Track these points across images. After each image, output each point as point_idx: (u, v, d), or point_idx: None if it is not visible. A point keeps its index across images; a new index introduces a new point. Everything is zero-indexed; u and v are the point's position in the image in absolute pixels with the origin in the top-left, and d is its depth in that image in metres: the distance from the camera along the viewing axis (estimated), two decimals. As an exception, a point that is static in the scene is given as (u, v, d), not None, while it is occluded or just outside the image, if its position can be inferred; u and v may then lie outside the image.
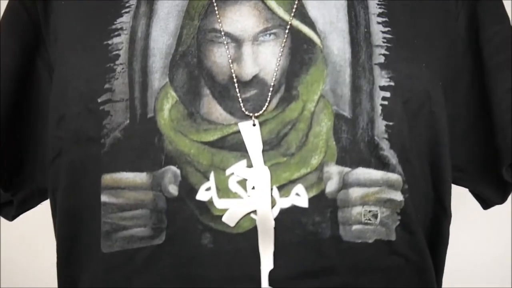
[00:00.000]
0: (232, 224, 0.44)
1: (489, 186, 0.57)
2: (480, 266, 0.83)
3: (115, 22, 0.49)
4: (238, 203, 0.44)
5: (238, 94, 0.46)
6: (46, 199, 0.56)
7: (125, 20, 0.49)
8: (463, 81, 0.54)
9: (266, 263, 0.43)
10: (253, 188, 0.44)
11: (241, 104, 0.45)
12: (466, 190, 0.60)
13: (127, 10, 0.49)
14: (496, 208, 0.76)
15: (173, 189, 0.45)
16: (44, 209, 0.71)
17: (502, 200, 0.58)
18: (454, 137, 0.54)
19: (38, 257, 0.83)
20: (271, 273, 0.44)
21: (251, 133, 0.44)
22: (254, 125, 0.45)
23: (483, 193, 0.59)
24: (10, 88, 0.54)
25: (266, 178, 0.44)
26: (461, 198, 0.71)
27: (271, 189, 0.44)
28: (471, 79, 0.54)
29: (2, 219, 0.78)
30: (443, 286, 0.78)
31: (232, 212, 0.44)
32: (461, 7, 0.53)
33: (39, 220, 0.77)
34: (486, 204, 0.60)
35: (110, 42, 0.48)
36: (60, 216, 0.51)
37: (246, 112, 0.45)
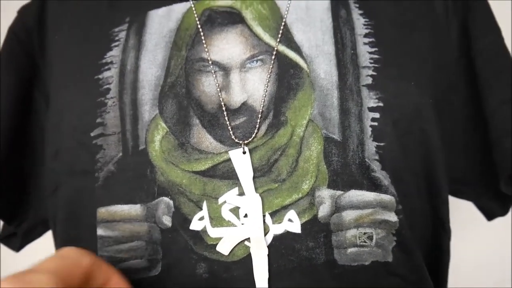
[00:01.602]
0: (226, 252, 0.44)
1: (489, 199, 0.56)
2: (480, 267, 0.82)
3: (105, 56, 0.50)
4: (231, 231, 0.44)
5: (228, 122, 0.46)
6: (49, 229, 0.57)
7: (114, 53, 0.49)
8: (458, 95, 0.54)
9: None
10: (246, 215, 0.44)
11: (231, 132, 0.46)
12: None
13: (116, 43, 0.50)
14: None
15: (167, 220, 0.45)
16: None
17: (504, 212, 0.57)
18: (453, 151, 0.54)
19: (38, 258, 0.84)
20: None
21: (241, 161, 0.45)
22: (244, 152, 0.45)
23: (485, 206, 0.59)
24: (9, 122, 0.56)
25: (258, 205, 0.44)
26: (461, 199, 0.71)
27: (264, 216, 0.44)
28: (466, 92, 0.54)
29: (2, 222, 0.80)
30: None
31: (225, 241, 0.44)
32: (452, 19, 0.52)
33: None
34: (489, 216, 0.59)
35: (100, 76, 0.49)
36: (59, 247, 0.52)
37: (236, 140, 0.45)
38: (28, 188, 0.58)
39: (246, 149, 0.45)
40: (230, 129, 0.46)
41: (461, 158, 0.55)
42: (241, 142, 0.45)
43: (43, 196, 0.55)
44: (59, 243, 0.52)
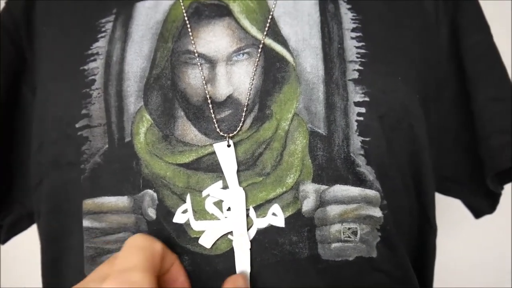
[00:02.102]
0: (208, 246, 0.44)
1: (477, 196, 0.56)
2: (480, 267, 0.82)
3: (91, 47, 0.49)
4: (214, 224, 0.44)
5: (213, 115, 0.46)
6: (35, 222, 0.56)
7: (100, 44, 0.49)
8: (448, 92, 0.54)
9: None
10: (229, 209, 0.44)
11: (216, 125, 0.45)
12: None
13: (103, 34, 0.50)
14: (497, 211, 0.75)
15: (152, 213, 0.45)
16: None
17: (491, 210, 0.57)
18: (441, 149, 0.54)
19: (38, 258, 0.84)
20: None
21: (225, 154, 0.44)
22: (229, 146, 0.45)
23: (473, 203, 0.59)
24: None
25: (242, 199, 0.44)
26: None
27: (248, 209, 0.44)
28: (455, 89, 0.54)
29: None
30: (445, 282, 0.77)
31: (208, 234, 0.44)
32: (442, 18, 0.52)
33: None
34: (476, 213, 0.59)
35: (86, 67, 0.48)
36: (43, 241, 0.51)
37: (221, 133, 0.45)
38: (13, 181, 0.58)
39: (231, 142, 0.45)
40: (215, 122, 0.45)
41: (448, 155, 0.55)
42: (226, 135, 0.45)
43: (28, 189, 0.55)
44: (44, 235, 0.52)
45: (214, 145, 0.45)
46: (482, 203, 0.57)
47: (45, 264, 0.52)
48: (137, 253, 0.36)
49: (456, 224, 0.79)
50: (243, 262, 0.43)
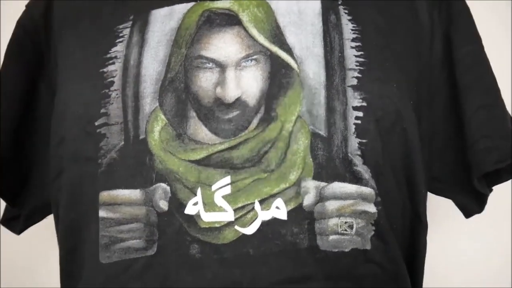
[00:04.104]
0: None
1: (466, 197, 0.60)
2: (480, 267, 0.84)
3: (110, 51, 0.53)
4: (223, 216, 0.48)
5: (222, 116, 0.50)
6: (50, 213, 0.60)
7: (119, 49, 0.53)
8: (440, 100, 0.57)
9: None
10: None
11: (225, 125, 0.49)
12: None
13: (121, 39, 0.53)
14: (496, 211, 0.78)
15: (164, 205, 0.49)
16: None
17: (479, 209, 0.60)
18: (432, 152, 0.57)
19: (38, 257, 0.86)
20: (254, 281, 0.47)
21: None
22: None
23: (462, 203, 0.62)
24: (15, 110, 0.59)
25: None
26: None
27: (253, 203, 0.48)
28: (447, 97, 0.57)
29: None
30: (445, 282, 0.79)
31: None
32: (436, 30, 0.56)
33: (40, 221, 0.82)
34: (466, 212, 0.63)
35: (105, 70, 0.52)
36: (62, 231, 0.55)
37: (229, 132, 0.49)
38: (31, 173, 0.61)
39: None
40: (224, 122, 0.49)
41: (439, 158, 0.59)
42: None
43: (46, 181, 0.58)
44: (61, 225, 0.55)
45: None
46: (470, 203, 0.60)
47: (63, 253, 0.55)
48: None
49: (456, 224, 0.81)
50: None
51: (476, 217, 0.63)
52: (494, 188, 0.59)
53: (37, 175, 0.61)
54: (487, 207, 0.60)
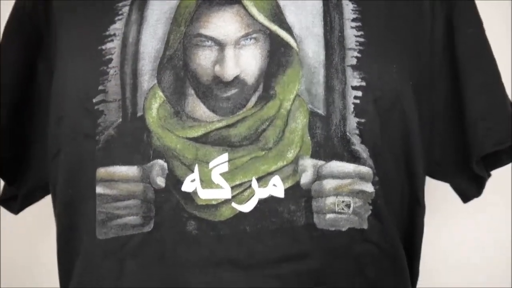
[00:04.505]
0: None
1: (464, 180, 0.60)
2: (479, 267, 0.84)
3: (109, 29, 0.53)
4: (220, 193, 0.48)
5: (220, 94, 0.49)
6: (48, 193, 0.60)
7: (117, 26, 0.53)
8: (440, 83, 0.57)
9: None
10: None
11: (223, 103, 0.49)
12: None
13: (119, 17, 0.53)
14: (497, 207, 0.78)
15: (161, 181, 0.49)
16: (44, 212, 0.73)
17: (478, 193, 0.61)
18: (432, 135, 0.57)
19: (38, 257, 0.86)
20: (250, 258, 0.47)
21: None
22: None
23: (460, 187, 0.62)
24: (13, 90, 0.59)
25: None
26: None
27: (250, 180, 0.48)
28: (448, 79, 0.57)
29: (3, 220, 0.82)
30: (445, 282, 0.79)
31: None
32: (438, 13, 0.56)
33: (40, 221, 0.82)
34: (464, 197, 0.63)
35: (104, 47, 0.52)
36: (59, 208, 0.55)
37: (227, 110, 0.49)
38: (29, 152, 0.61)
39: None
40: (222, 100, 0.49)
41: (438, 141, 0.59)
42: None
43: (44, 161, 0.58)
44: (58, 202, 0.55)
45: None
46: (469, 187, 0.60)
47: (60, 231, 0.56)
48: None
49: (456, 224, 0.81)
50: None
51: (475, 206, 0.63)
52: (493, 183, 0.59)
53: (36, 154, 0.61)
54: (487, 197, 0.61)
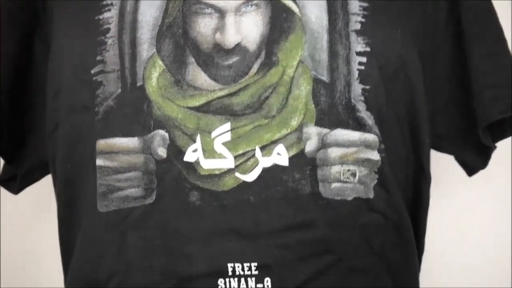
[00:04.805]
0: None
1: (470, 152, 0.59)
2: (479, 267, 0.84)
3: None
4: (222, 163, 0.47)
5: (221, 62, 0.48)
6: (48, 173, 0.59)
7: None
8: (445, 52, 0.56)
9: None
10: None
11: (224, 71, 0.48)
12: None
13: None
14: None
15: (162, 152, 0.48)
16: (44, 211, 0.73)
17: (483, 165, 0.60)
18: (436, 107, 0.56)
19: (38, 257, 0.86)
20: (255, 228, 0.47)
21: None
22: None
23: (466, 159, 0.61)
24: (9, 67, 0.57)
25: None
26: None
27: (254, 149, 0.47)
28: (452, 49, 0.56)
29: (2, 222, 0.82)
30: (444, 282, 0.79)
31: None
32: None
33: (40, 221, 0.82)
34: (469, 170, 0.62)
35: (101, 17, 0.51)
36: (59, 183, 0.54)
37: (229, 78, 0.48)
38: (27, 131, 0.60)
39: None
40: (223, 68, 0.48)
41: (443, 112, 0.58)
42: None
43: (43, 138, 0.57)
44: (58, 177, 0.54)
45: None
46: (474, 159, 0.59)
47: (61, 206, 0.55)
48: None
49: (456, 223, 0.81)
50: None
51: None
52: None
53: (34, 132, 0.60)
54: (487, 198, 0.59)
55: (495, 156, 0.59)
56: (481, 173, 0.61)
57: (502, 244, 0.81)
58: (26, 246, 0.85)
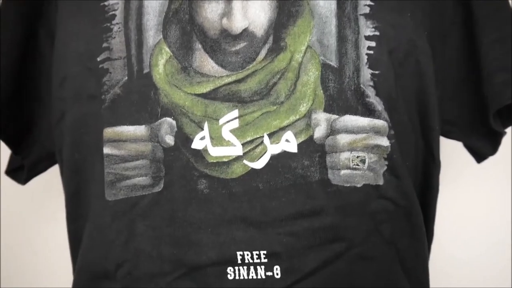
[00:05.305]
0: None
1: (479, 138, 0.58)
2: (480, 267, 0.83)
3: None
4: (231, 150, 0.47)
5: (229, 47, 0.48)
6: (55, 163, 0.59)
7: None
8: (454, 36, 0.55)
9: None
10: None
11: (232, 57, 0.47)
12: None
13: None
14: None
15: (170, 139, 0.47)
16: (43, 212, 0.73)
17: (493, 151, 0.59)
18: (445, 93, 0.55)
19: (38, 257, 0.86)
20: (264, 215, 0.46)
21: None
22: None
23: (475, 146, 0.60)
24: (14, 58, 0.57)
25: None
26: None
27: (262, 136, 0.47)
28: (461, 33, 0.55)
29: (2, 221, 0.82)
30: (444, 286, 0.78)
31: None
32: None
33: (40, 221, 0.81)
34: (479, 156, 0.61)
35: (106, 3, 0.50)
36: (66, 173, 0.54)
37: (236, 64, 0.47)
38: (33, 121, 0.60)
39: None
40: (231, 54, 0.47)
41: (453, 97, 0.57)
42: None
43: (49, 127, 0.57)
44: (65, 168, 0.54)
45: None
46: (484, 145, 0.58)
47: (68, 196, 0.54)
48: None
49: (456, 223, 0.80)
50: None
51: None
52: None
53: (40, 122, 0.60)
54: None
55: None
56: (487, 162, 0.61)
57: (502, 244, 0.81)
58: (26, 245, 0.85)
